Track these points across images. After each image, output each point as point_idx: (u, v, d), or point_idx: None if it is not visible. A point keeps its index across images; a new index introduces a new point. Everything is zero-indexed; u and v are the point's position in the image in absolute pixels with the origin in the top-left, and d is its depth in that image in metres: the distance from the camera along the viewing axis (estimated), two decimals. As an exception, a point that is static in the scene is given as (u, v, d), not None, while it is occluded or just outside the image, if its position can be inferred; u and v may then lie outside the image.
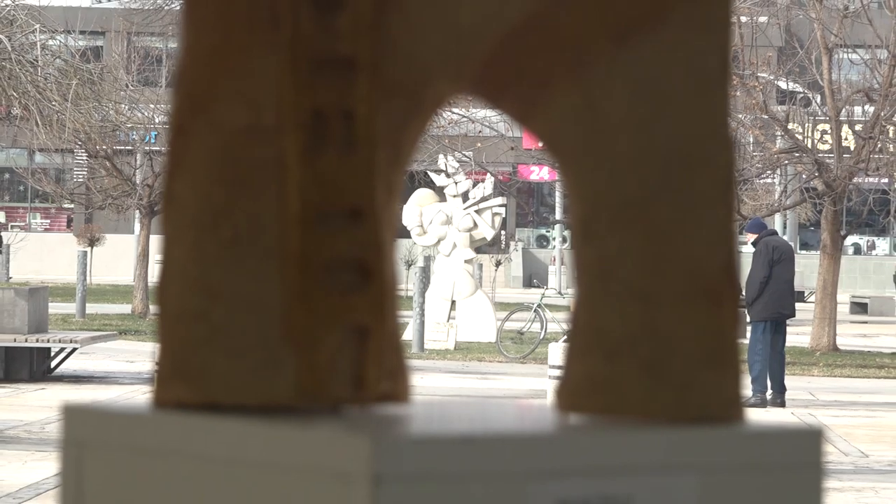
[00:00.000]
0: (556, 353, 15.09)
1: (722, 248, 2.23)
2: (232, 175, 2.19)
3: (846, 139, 30.23)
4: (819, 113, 31.93)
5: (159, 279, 2.26)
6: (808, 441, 2.23)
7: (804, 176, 31.91)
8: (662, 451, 2.13)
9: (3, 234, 45.29)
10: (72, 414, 2.31)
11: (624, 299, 2.21)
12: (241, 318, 2.19)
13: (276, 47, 2.17)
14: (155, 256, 2.19)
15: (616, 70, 2.20)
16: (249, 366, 2.18)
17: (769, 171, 32.87)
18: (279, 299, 2.18)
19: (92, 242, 45.00)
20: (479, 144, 39.14)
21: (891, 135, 31.91)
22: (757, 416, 2.26)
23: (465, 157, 34.64)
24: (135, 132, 35.21)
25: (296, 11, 2.16)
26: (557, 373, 2.32)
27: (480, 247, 30.13)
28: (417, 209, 28.35)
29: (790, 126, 31.03)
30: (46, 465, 9.31)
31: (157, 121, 35.68)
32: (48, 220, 63.04)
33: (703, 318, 2.21)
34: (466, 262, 28.67)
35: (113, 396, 18.05)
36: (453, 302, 28.38)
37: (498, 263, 34.27)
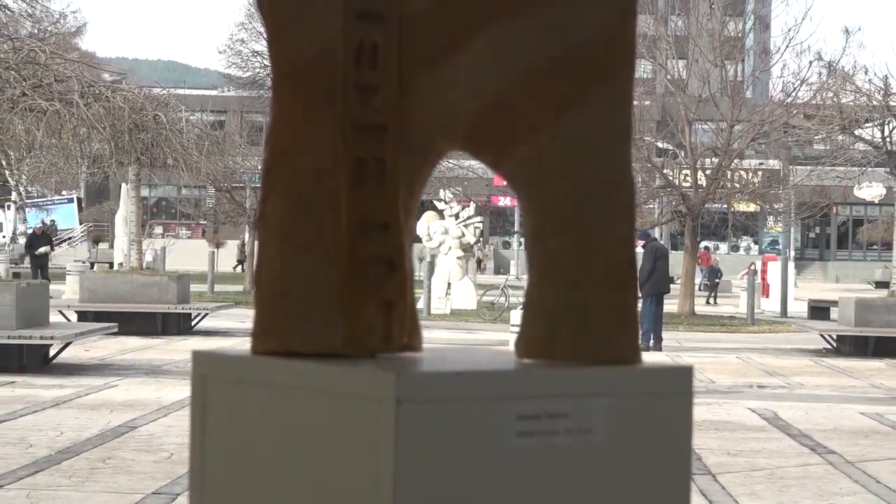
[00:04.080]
0: (516, 317, 15.07)
1: (626, 250, 2.20)
2: (303, 201, 2.17)
3: (700, 180, 30.23)
4: (683, 163, 31.94)
5: (256, 269, 2.26)
6: (682, 375, 2.21)
7: (673, 203, 31.94)
8: (587, 383, 2.11)
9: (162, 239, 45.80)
10: (199, 357, 2.30)
11: (561, 283, 2.18)
12: (309, 296, 2.17)
13: (332, 117, 2.15)
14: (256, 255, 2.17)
15: (557, 132, 2.17)
16: (315, 327, 2.16)
17: (651, 200, 32.89)
18: (334, 283, 2.16)
19: (218, 246, 45.04)
20: (465, 182, 39.28)
21: (728, 177, 31.94)
22: (644, 358, 2.23)
23: (457, 190, 34.75)
24: (245, 175, 35.25)
25: (345, 93, 2.14)
26: (516, 330, 2.29)
27: (466, 249, 30.11)
28: (426, 224, 28.43)
29: (665, 171, 31.11)
30: (188, 390, 9.27)
31: (259, 168, 35.93)
32: (190, 231, 63.13)
33: (614, 295, 2.18)
34: (458, 258, 28.74)
35: (230, 345, 18.07)
36: (449, 284, 28.44)
37: (480, 261, 34.32)
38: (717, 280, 39.62)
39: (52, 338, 14.72)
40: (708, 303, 37.13)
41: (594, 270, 2.18)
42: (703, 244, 50.62)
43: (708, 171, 30.36)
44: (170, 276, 21.80)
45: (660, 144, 36.03)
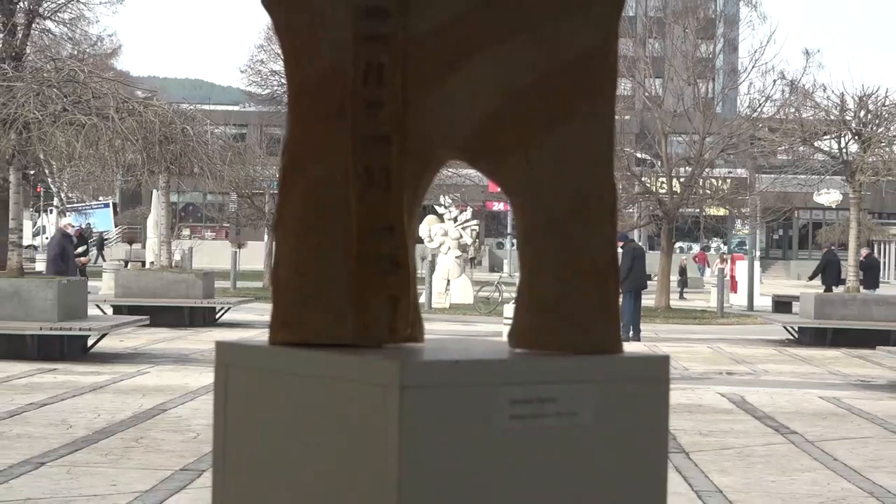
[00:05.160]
0: (509, 310, 15.03)
1: (609, 250, 2.20)
2: (316, 206, 2.17)
3: (675, 187, 30.18)
4: (659, 171, 31.88)
5: (273, 267, 2.24)
6: (659, 363, 2.21)
7: (650, 208, 31.85)
8: (573, 370, 2.10)
9: (191, 241, 45.70)
10: (222, 347, 2.30)
11: (549, 279, 2.17)
12: (321, 291, 2.16)
13: (343, 129, 2.14)
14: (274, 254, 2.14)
15: (546, 144, 2.16)
16: (327, 319, 2.16)
17: (630, 205, 32.80)
18: (344, 280, 2.15)
19: (240, 246, 44.86)
20: (463, 189, 39.22)
21: (700, 184, 31.86)
22: (625, 347, 2.21)
23: (455, 196, 34.69)
24: (265, 182, 35.16)
25: (355, 109, 2.14)
26: (509, 323, 2.28)
27: (464, 248, 29.98)
28: (427, 226, 28.33)
29: (643, 179, 31.06)
30: (213, 376, 9.25)
31: (276, 176, 35.40)
32: (214, 233, 62.98)
33: (598, 290, 2.17)
34: (456, 257, 28.66)
35: (251, 336, 18.03)
36: (448, 280, 28.37)
37: (473, 258, 34.08)
38: (685, 277, 39.60)
39: (90, 329, 14.71)
40: (682, 297, 37.08)
41: (580, 269, 2.17)
42: (700, 246, 50.62)
43: (682, 179, 30.32)
44: (196, 274, 21.73)
45: (638, 155, 36.02)
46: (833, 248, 29.39)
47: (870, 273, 25.88)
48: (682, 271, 40.15)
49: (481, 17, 2.15)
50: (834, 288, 24.79)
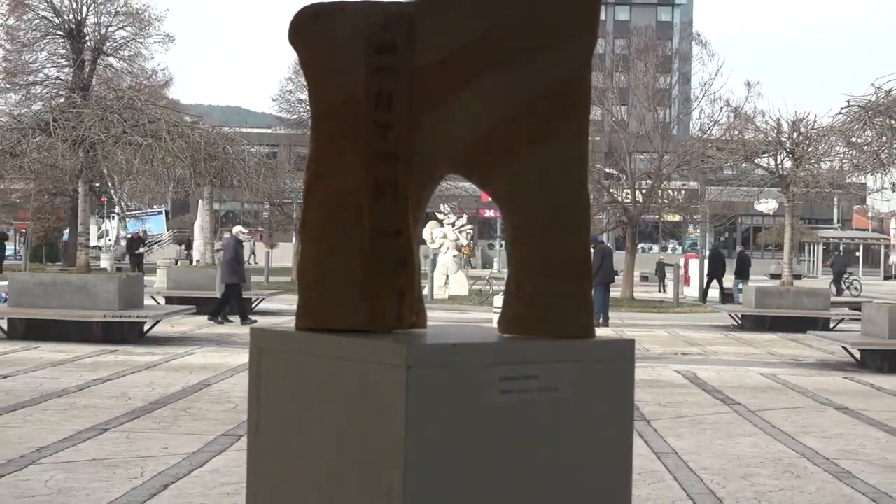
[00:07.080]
0: (498, 301, 15.00)
1: (583, 250, 2.18)
2: (334, 213, 2.15)
3: (638, 197, 30.17)
4: (625, 184, 31.85)
5: (298, 265, 2.23)
6: (626, 346, 2.19)
7: (617, 215, 31.83)
8: (554, 351, 2.09)
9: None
10: (255, 332, 2.28)
11: (534, 275, 2.16)
12: (339, 286, 2.15)
13: (357, 147, 2.13)
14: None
15: (530, 159, 2.15)
16: (343, 310, 2.14)
17: (600, 212, 32.71)
18: (359, 276, 2.14)
19: (272, 247, 44.86)
20: (459, 198, 39.18)
21: (659, 195, 31.79)
22: (597, 332, 2.19)
23: (453, 204, 34.65)
24: (293, 193, 35.11)
25: (367, 130, 2.12)
26: (499, 311, 2.26)
27: (460, 249, 29.90)
28: (429, 230, 28.32)
29: (611, 190, 31.04)
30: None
31: (302, 187, 35.05)
32: (251, 236, 62.91)
33: (574, 285, 2.16)
34: (454, 256, 28.63)
35: (280, 322, 17.97)
36: (447, 276, 28.36)
37: (469, 257, 33.72)
38: (664, 274, 39.29)
39: (146, 317, 14.69)
40: (660, 290, 36.87)
41: (559, 266, 2.15)
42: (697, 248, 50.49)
43: (643, 191, 30.30)
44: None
45: (607, 170, 35.99)
46: (719, 246, 29.72)
47: (742, 267, 26.58)
48: (661, 269, 39.89)
49: (475, 51, 2.13)
50: (720, 279, 25.50)
